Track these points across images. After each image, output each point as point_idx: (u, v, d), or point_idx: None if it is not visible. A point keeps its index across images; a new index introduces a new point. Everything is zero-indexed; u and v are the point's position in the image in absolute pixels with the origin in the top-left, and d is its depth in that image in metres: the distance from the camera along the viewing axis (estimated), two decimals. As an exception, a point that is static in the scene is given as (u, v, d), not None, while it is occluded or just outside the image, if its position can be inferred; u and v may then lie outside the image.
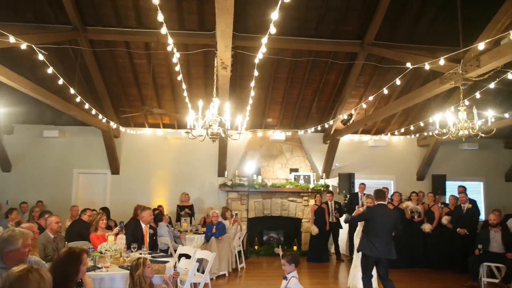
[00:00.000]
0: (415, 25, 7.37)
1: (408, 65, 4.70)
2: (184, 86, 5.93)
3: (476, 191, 10.70)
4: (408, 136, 10.47)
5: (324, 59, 8.05)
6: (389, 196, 8.99)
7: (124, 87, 8.93)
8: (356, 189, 9.77)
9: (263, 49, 3.76)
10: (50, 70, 5.06)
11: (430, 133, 9.58)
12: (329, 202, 9.22)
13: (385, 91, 5.39)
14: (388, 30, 7.41)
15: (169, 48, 4.00)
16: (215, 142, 9.97)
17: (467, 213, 7.66)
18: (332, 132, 9.91)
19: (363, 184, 9.56)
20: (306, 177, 10.12)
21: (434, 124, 5.54)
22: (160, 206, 9.13)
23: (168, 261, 4.82)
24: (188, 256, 5.63)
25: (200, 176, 10.27)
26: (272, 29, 2.95)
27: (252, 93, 6.14)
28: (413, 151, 10.83)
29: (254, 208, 9.94)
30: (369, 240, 5.31)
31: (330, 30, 7.49)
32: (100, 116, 7.72)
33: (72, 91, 6.08)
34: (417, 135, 10.34)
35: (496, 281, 6.66)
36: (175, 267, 4.14)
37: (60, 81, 5.45)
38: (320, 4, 6.91)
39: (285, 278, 3.93)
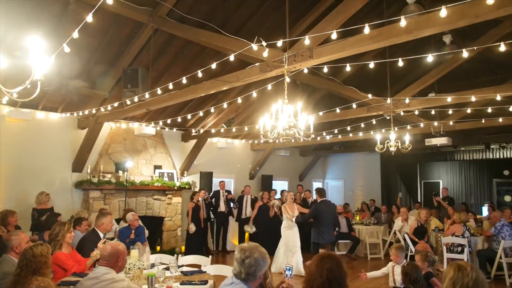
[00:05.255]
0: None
1: (369, 95, 6.28)
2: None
3: (283, 187, 13.60)
4: (250, 141, 12.13)
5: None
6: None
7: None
8: (216, 187, 10.55)
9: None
10: None
11: (268, 140, 11.62)
12: (200, 199, 9.55)
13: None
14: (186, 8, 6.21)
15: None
16: (74, 131, 8.40)
17: (311, 205, 10.06)
18: (199, 132, 10.15)
19: (223, 181, 10.48)
20: (170, 174, 9.94)
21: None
22: (11, 211, 6.73)
23: (207, 281, 4.12)
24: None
25: (48, 171, 8.13)
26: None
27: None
28: (247, 155, 12.58)
29: (118, 208, 8.85)
30: (319, 231, 6.55)
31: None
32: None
33: None
34: (251, 140, 12.17)
35: (343, 253, 9.28)
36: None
37: None
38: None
39: None
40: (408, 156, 14.15)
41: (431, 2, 7.07)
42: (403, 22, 3.12)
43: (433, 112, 8.16)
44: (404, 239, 7.86)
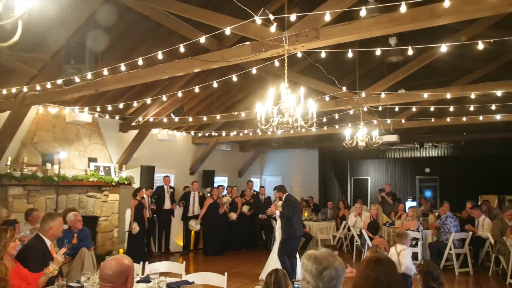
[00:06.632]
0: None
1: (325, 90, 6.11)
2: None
3: (223, 183, 13.03)
4: (192, 133, 11.34)
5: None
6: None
7: None
8: (159, 182, 9.67)
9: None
10: None
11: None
12: (146, 196, 8.60)
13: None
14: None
15: None
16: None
17: (265, 202, 9.74)
18: (148, 121, 9.11)
19: (168, 176, 9.65)
20: (107, 168, 8.77)
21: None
22: None
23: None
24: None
25: (-47, 163, 6.54)
26: None
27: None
28: (188, 148, 11.77)
29: (45, 207, 7.51)
30: (292, 224, 6.24)
31: None
32: None
33: None
34: (193, 133, 11.42)
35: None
36: None
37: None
38: None
39: None
40: (343, 153, 14.68)
41: (385, 1, 7.19)
42: (447, 3, 2.88)
43: (397, 109, 8.21)
44: (360, 234, 7.92)
